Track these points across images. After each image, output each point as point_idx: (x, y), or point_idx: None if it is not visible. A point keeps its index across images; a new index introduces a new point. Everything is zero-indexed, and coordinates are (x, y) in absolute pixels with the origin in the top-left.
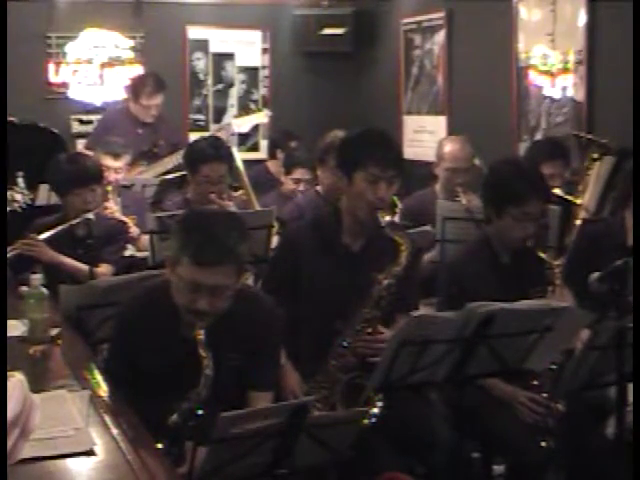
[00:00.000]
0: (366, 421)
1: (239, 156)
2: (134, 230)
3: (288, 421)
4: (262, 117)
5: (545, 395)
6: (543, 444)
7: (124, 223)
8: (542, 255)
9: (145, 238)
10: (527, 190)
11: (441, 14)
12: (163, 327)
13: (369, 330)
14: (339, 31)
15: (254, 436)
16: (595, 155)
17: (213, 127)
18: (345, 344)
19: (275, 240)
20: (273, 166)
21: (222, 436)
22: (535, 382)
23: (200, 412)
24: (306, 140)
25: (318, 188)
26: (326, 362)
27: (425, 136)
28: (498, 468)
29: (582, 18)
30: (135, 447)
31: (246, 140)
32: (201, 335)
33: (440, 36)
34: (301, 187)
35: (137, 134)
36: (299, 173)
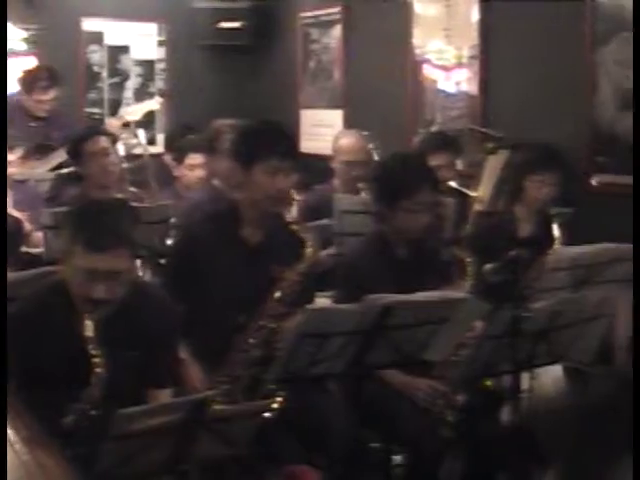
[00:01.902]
0: (267, 414)
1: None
2: (27, 226)
3: (188, 416)
4: (153, 104)
5: (443, 386)
6: (441, 434)
7: (18, 220)
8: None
9: (39, 235)
10: (416, 180)
11: (338, 9)
12: (60, 324)
13: (272, 325)
14: (237, 25)
15: (153, 432)
16: (489, 148)
17: (107, 121)
18: (248, 339)
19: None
20: (170, 160)
21: (120, 433)
22: (434, 372)
23: (93, 412)
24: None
25: (215, 182)
26: (228, 357)
27: (323, 130)
28: (397, 458)
29: (475, 14)
30: (30, 448)
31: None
32: (90, 332)
33: (337, 30)
34: (197, 173)
35: (30, 127)
36: (191, 159)
